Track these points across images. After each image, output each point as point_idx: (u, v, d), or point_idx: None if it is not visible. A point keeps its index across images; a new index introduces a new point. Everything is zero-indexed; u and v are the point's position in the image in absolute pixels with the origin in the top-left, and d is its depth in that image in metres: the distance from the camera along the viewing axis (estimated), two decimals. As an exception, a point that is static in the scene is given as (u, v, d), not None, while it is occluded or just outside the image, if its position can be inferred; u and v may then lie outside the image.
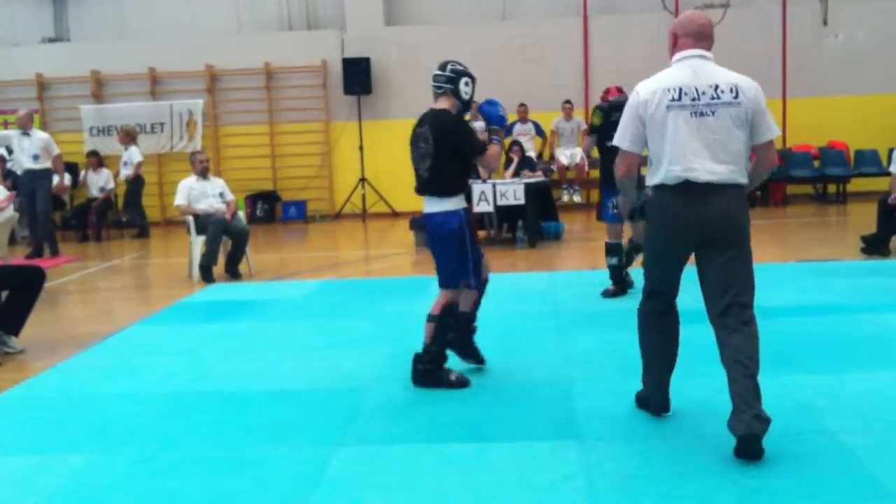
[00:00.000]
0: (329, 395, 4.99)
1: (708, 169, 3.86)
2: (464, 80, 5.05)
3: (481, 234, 11.65)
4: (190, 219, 9.48)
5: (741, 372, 3.78)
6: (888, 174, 9.84)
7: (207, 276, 9.10)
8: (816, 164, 14.24)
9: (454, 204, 5.05)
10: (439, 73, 5.08)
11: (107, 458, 4.15)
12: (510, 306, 7.05)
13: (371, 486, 3.68)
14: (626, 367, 5.24)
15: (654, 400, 4.36)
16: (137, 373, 5.63)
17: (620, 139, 4.07)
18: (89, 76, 15.43)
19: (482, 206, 10.65)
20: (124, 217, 14.40)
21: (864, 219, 9.99)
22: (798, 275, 7.99)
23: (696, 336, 5.85)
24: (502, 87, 14.22)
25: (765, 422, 3.71)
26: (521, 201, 10.53)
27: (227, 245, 9.48)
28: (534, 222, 10.81)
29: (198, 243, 9.35)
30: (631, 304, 6.52)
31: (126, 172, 14.06)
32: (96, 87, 15.50)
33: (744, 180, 3.94)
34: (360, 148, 15.01)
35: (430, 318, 5.14)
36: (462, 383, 5.03)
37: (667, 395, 4.35)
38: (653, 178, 4.01)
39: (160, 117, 15.41)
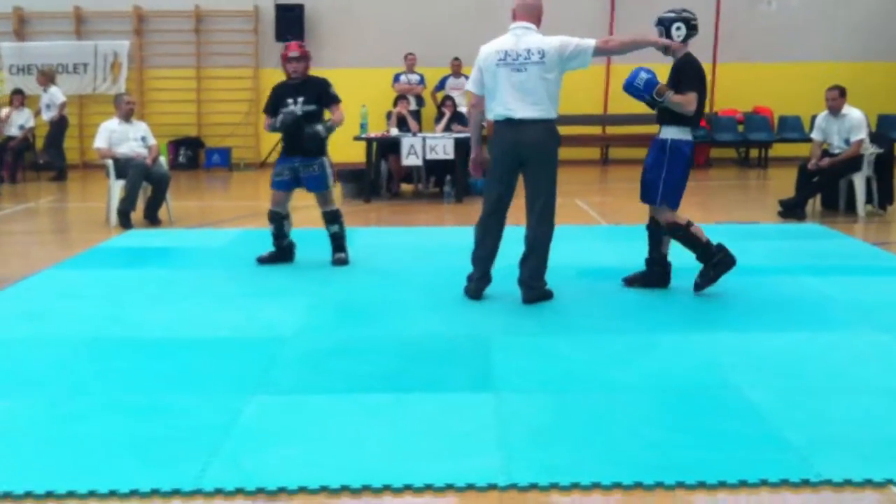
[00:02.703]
0: (246, 344, 4.94)
1: (521, 108, 5.45)
2: (675, 24, 5.86)
3: (409, 187, 11.62)
4: (109, 162, 9.25)
5: (539, 258, 5.72)
6: (810, 140, 10.07)
7: (125, 221, 8.91)
8: (741, 128, 14.48)
9: (687, 133, 5.93)
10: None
11: (15, 402, 4.06)
12: (436, 260, 7.04)
13: (285, 434, 3.67)
14: (545, 323, 5.32)
15: (475, 286, 5.76)
16: (50, 317, 5.50)
17: (470, 84, 5.70)
18: (11, 13, 14.85)
19: (411, 160, 10.60)
20: (42, 159, 13.97)
21: (784, 183, 10.23)
22: (718, 236, 8.01)
23: (616, 295, 5.98)
24: (442, 40, 14.14)
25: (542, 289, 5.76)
26: (451, 156, 10.51)
27: (146, 190, 9.28)
28: (462, 178, 10.81)
29: (116, 188, 9.14)
30: (552, 262, 6.60)
31: (51, 114, 13.63)
32: (18, 24, 14.93)
33: (550, 116, 5.53)
34: (290, 96, 14.75)
35: (673, 233, 6.01)
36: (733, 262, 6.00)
37: (485, 283, 5.78)
38: (489, 115, 5.63)
39: (84, 58, 14.93)
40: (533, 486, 3.20)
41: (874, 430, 3.69)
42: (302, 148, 6.86)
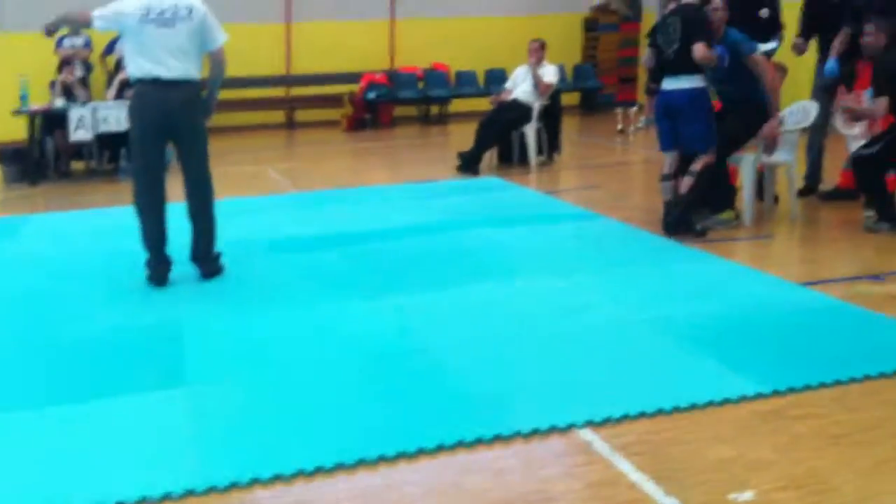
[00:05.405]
0: None
1: (171, 66, 5.23)
2: None
3: (80, 165, 10.77)
4: None
5: (209, 231, 5.56)
6: (486, 94, 10.48)
7: None
8: (421, 85, 14.87)
9: (701, 81, 6.20)
10: None
11: None
12: (116, 244, 6.51)
13: (-52, 464, 3.28)
14: (237, 302, 5.17)
15: (157, 271, 5.46)
16: None
17: (99, 19, 5.30)
18: None
19: (80, 134, 9.79)
20: None
21: (463, 138, 10.63)
22: (404, 196, 8.32)
23: (308, 266, 5.91)
24: None
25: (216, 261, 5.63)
26: (125, 128, 9.83)
27: None
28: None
29: None
30: (242, 236, 6.41)
31: None
32: None
33: (197, 77, 5.37)
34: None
35: (690, 172, 6.16)
36: (704, 232, 6.21)
37: (166, 266, 5.49)
38: (134, 74, 5.32)
39: None
40: (233, 486, 3.07)
41: (551, 374, 3.93)
42: None
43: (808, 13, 7.44)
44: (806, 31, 7.42)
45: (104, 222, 7.45)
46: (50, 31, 5.58)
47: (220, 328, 4.73)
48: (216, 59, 5.51)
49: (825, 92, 7.31)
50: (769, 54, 6.91)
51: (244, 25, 13.72)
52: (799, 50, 7.41)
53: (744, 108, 6.44)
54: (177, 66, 5.26)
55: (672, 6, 6.46)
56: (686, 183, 6.25)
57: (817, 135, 7.37)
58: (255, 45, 14.03)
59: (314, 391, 3.85)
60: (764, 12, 7.12)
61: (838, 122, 7.03)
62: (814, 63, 7.56)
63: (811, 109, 6.86)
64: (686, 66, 6.16)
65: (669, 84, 6.31)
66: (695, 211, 6.30)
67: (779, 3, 7.30)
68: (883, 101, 6.13)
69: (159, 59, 5.23)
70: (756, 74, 6.35)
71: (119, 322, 4.88)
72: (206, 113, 5.62)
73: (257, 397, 3.81)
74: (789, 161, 6.76)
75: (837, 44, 7.00)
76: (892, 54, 6.17)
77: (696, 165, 6.23)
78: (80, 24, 5.76)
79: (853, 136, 6.94)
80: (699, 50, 6.05)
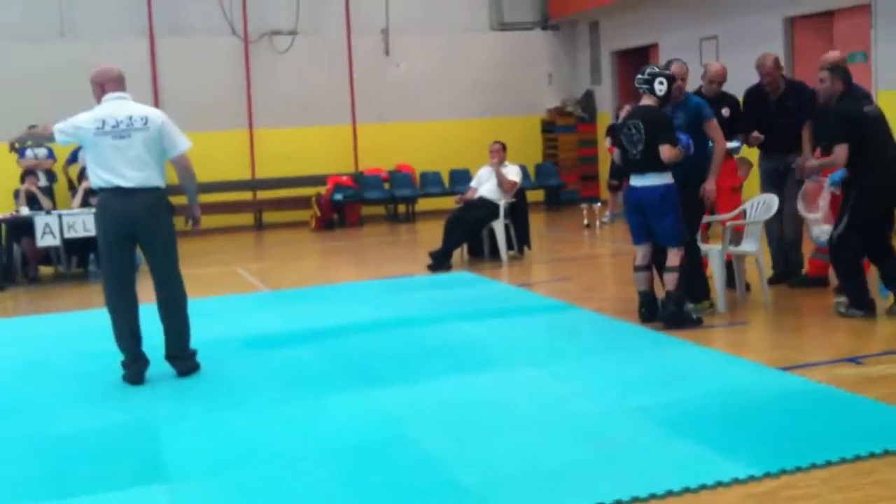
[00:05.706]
0: None
1: (128, 176, 5.32)
2: (658, 80, 6.20)
3: (48, 270, 10.67)
4: None
5: (182, 330, 5.57)
6: (451, 194, 10.59)
7: None
8: (387, 186, 15.04)
9: (669, 177, 6.25)
10: (639, 76, 6.34)
11: None
12: (87, 346, 6.42)
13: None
14: (214, 400, 5.08)
15: (133, 370, 5.41)
16: None
17: (59, 133, 5.43)
18: None
19: (47, 240, 9.76)
20: None
21: (431, 235, 10.70)
22: (375, 292, 8.31)
23: (284, 362, 5.85)
24: (60, 109, 13.20)
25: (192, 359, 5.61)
26: (92, 233, 9.79)
27: None
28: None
29: None
30: (217, 335, 6.35)
31: None
32: None
33: (159, 184, 5.44)
34: None
35: (671, 269, 6.24)
36: (700, 321, 6.29)
37: (142, 365, 5.44)
38: (95, 184, 5.44)
39: None
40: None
41: (537, 463, 3.88)
42: None
43: (748, 109, 7.64)
44: (750, 128, 7.60)
45: (74, 325, 7.34)
46: (14, 147, 5.79)
47: (198, 425, 4.64)
48: (181, 166, 5.59)
49: (770, 185, 7.51)
50: (732, 152, 7.07)
51: (208, 133, 13.79)
52: (755, 140, 7.58)
53: (696, 180, 6.55)
54: (135, 175, 5.34)
55: (628, 109, 6.57)
56: (671, 279, 6.29)
57: (773, 224, 7.52)
58: (220, 152, 14.12)
59: (300, 485, 3.77)
60: (725, 111, 7.32)
61: (800, 206, 7.16)
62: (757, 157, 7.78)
63: (773, 202, 6.99)
64: (653, 165, 6.26)
65: (638, 181, 6.38)
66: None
67: (738, 104, 7.52)
68: (843, 149, 6.16)
69: (116, 169, 5.33)
70: (711, 138, 6.56)
71: (96, 420, 4.78)
72: (195, 222, 5.76)
73: (243, 493, 3.71)
74: (755, 251, 6.88)
75: (808, 138, 7.18)
76: (848, 100, 6.28)
77: (674, 261, 6.30)
78: (43, 138, 5.96)
79: (815, 220, 7.07)
80: (666, 152, 6.17)
